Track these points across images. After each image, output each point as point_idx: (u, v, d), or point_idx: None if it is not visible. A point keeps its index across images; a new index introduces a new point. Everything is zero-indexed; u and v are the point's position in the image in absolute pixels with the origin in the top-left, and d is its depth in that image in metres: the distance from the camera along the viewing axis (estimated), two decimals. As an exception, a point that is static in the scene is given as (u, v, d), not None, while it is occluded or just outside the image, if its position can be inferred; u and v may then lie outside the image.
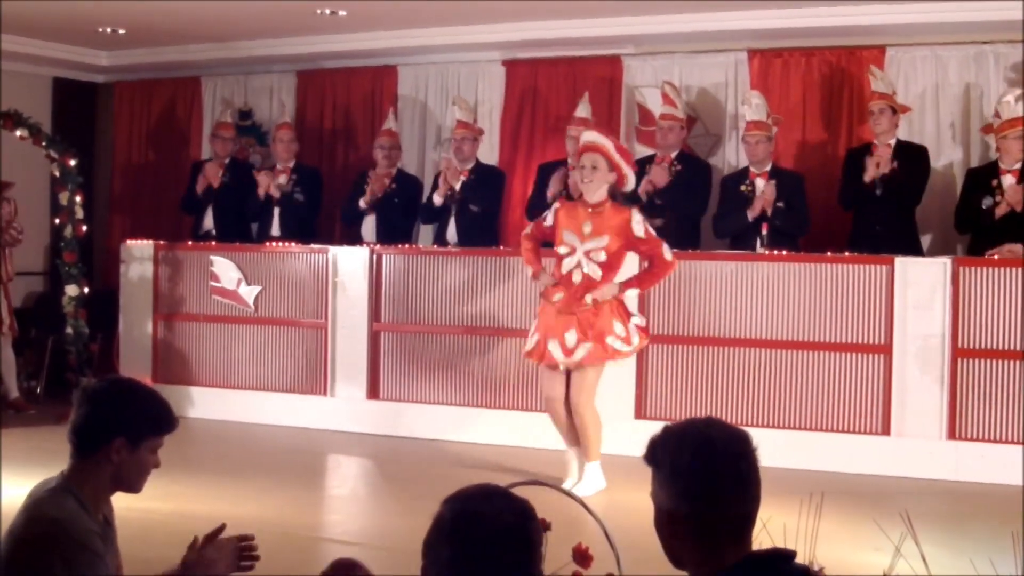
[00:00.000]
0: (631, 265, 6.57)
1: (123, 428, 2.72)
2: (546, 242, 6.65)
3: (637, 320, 6.47)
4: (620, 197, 6.40)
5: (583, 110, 8.25)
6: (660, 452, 2.15)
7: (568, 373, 6.35)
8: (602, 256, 6.24)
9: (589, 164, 6.28)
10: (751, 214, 7.57)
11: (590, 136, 6.42)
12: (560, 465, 6.54)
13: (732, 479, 2.10)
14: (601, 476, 6.37)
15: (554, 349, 6.29)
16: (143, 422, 2.75)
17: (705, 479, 2.09)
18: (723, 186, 7.96)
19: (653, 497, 2.15)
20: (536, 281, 6.56)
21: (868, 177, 7.41)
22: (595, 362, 6.26)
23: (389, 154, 8.89)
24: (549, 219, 6.51)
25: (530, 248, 6.58)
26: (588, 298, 6.23)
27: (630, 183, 6.52)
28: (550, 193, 7.93)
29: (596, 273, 6.24)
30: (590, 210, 6.30)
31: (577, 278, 6.27)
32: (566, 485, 6.10)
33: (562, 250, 6.35)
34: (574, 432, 6.44)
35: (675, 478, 2.11)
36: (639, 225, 6.26)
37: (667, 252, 6.31)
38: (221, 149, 9.45)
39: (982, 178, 7.33)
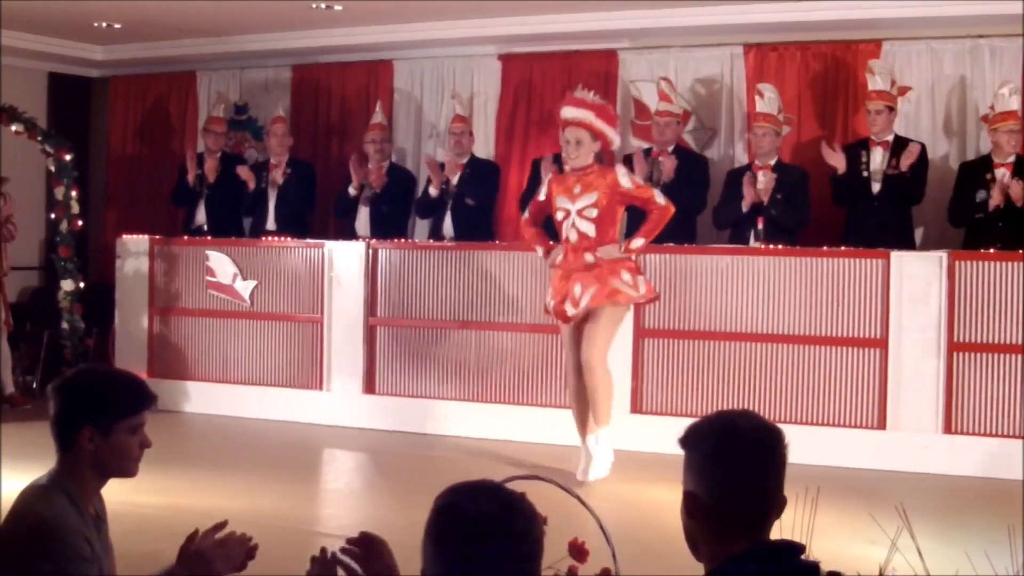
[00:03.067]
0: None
1: (88, 417, 2.67)
2: (547, 220, 6.72)
3: (645, 278, 6.60)
4: (604, 159, 6.53)
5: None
6: (694, 436, 2.19)
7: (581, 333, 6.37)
8: (593, 212, 6.33)
9: (573, 139, 6.39)
10: (744, 205, 7.58)
11: (569, 112, 6.46)
12: (556, 459, 6.53)
13: (751, 473, 2.13)
14: (610, 446, 6.32)
15: (567, 307, 6.36)
16: (109, 407, 2.69)
17: (725, 468, 2.12)
18: (727, 178, 7.96)
19: (683, 481, 2.19)
20: (548, 260, 6.62)
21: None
22: (601, 301, 6.29)
23: (381, 147, 8.90)
24: (543, 194, 6.62)
25: (533, 231, 6.69)
26: (588, 256, 6.32)
27: (615, 143, 6.65)
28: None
29: (590, 230, 6.33)
30: (578, 174, 6.41)
31: (573, 237, 6.38)
32: (578, 476, 6.13)
33: (559, 215, 6.46)
34: (585, 413, 6.39)
35: (701, 463, 2.15)
36: (625, 178, 6.40)
37: (659, 196, 6.43)
38: (213, 144, 9.42)
39: (976, 172, 7.34)
